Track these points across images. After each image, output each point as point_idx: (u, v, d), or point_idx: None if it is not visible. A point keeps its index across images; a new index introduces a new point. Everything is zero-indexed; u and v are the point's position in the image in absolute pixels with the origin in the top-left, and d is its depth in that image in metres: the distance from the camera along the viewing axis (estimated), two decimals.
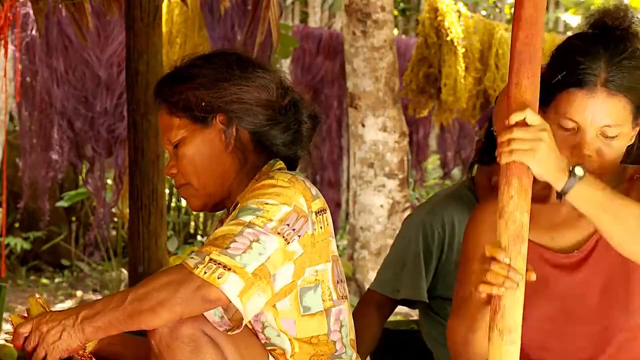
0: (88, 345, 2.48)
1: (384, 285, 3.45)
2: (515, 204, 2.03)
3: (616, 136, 2.21)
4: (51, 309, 2.44)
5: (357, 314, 3.31)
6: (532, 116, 2.02)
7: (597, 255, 2.28)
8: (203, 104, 2.51)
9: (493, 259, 2.02)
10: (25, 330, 2.35)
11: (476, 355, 2.23)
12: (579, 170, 2.06)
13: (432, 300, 3.46)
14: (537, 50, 2.04)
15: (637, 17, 2.28)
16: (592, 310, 2.27)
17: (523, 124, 2.02)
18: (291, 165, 2.59)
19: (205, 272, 2.27)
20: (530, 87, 2.04)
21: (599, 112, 2.19)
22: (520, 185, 2.03)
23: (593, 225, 2.27)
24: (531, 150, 2.01)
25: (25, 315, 2.47)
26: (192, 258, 2.31)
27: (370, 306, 3.43)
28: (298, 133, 2.58)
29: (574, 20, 14.68)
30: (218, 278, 2.26)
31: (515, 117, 2.02)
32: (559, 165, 2.06)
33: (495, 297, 2.03)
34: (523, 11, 2.04)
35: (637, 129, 2.28)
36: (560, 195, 2.09)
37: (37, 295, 2.49)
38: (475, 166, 3.39)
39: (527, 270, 2.04)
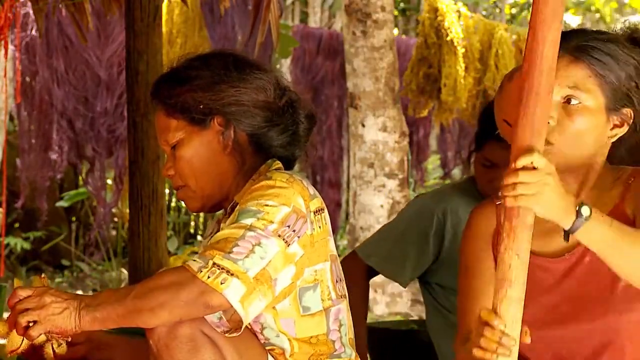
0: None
1: (362, 247, 3.54)
2: (504, 245, 2.03)
3: (579, 109, 2.19)
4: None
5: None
6: (539, 160, 2.00)
7: (591, 256, 2.27)
8: (201, 106, 2.50)
9: (486, 323, 2.02)
10: (25, 293, 2.32)
11: None
12: (585, 210, 2.05)
13: (431, 287, 3.47)
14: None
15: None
16: (587, 313, 2.26)
17: (529, 167, 1.99)
18: (288, 165, 2.59)
19: (208, 277, 2.26)
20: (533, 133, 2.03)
21: (561, 74, 2.16)
22: (510, 227, 2.03)
23: None
24: (536, 195, 1.99)
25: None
26: (194, 261, 2.29)
27: (356, 268, 3.45)
28: (295, 134, 2.58)
29: (574, 20, 14.70)
30: (221, 283, 2.25)
31: (522, 161, 2.00)
32: (565, 207, 2.04)
33: None
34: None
35: (623, 126, 2.26)
36: (568, 234, 2.08)
37: (43, 275, 2.48)
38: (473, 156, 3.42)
39: (521, 332, 2.04)
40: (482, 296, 2.28)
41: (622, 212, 2.27)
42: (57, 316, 2.27)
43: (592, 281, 2.25)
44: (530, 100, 2.04)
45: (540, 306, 2.27)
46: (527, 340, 2.03)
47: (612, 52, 2.22)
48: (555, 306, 2.28)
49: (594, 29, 2.28)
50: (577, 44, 2.21)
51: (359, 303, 3.37)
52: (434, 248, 3.42)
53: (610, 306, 2.24)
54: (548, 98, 2.04)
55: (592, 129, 2.22)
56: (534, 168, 2.00)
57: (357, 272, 3.45)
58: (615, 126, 2.25)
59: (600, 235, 2.07)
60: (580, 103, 2.20)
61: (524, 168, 2.00)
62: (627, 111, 2.24)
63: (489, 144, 3.27)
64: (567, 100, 2.20)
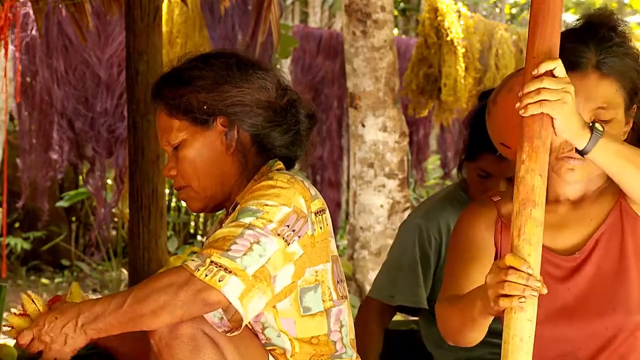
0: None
1: (380, 291, 3.46)
2: (525, 167, 2.01)
3: (610, 121, 2.21)
4: (42, 305, 2.44)
5: (357, 322, 3.31)
6: (561, 69, 2.02)
7: (597, 254, 2.28)
8: (205, 107, 2.50)
9: (511, 267, 1.97)
10: (25, 341, 2.37)
11: (468, 340, 2.23)
12: (598, 126, 2.08)
13: (431, 304, 3.46)
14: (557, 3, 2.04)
15: (623, 20, 2.30)
16: (593, 310, 2.27)
17: (550, 75, 2.01)
18: (289, 165, 2.59)
19: (206, 275, 2.26)
20: (552, 38, 2.04)
21: (592, 94, 2.20)
22: (531, 148, 2.02)
23: (591, 225, 2.28)
24: (560, 102, 2.01)
25: (21, 312, 2.46)
26: (192, 260, 2.30)
27: (370, 314, 3.43)
28: (297, 134, 2.58)
29: (574, 20, 14.68)
30: (219, 281, 2.26)
31: (545, 66, 2.01)
32: (581, 122, 2.06)
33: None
34: None
35: (630, 122, 2.29)
36: (583, 153, 2.09)
37: (29, 292, 2.47)
38: (464, 164, 3.40)
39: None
40: (479, 266, 2.27)
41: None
42: (65, 347, 2.34)
43: (600, 279, 2.26)
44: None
45: (547, 300, 2.28)
46: (544, 291, 1.99)
47: (627, 52, 2.24)
48: (563, 301, 2.28)
49: (602, 25, 2.27)
50: (601, 59, 2.22)
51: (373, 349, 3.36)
52: (434, 267, 3.42)
53: (618, 305, 2.25)
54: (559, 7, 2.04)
55: (619, 135, 2.26)
56: (554, 76, 2.01)
57: (371, 318, 3.43)
58: (627, 123, 2.28)
59: (615, 151, 2.09)
60: (610, 119, 2.22)
61: (546, 74, 2.01)
62: (634, 106, 2.27)
63: (484, 155, 3.23)
64: (597, 115, 2.21)
